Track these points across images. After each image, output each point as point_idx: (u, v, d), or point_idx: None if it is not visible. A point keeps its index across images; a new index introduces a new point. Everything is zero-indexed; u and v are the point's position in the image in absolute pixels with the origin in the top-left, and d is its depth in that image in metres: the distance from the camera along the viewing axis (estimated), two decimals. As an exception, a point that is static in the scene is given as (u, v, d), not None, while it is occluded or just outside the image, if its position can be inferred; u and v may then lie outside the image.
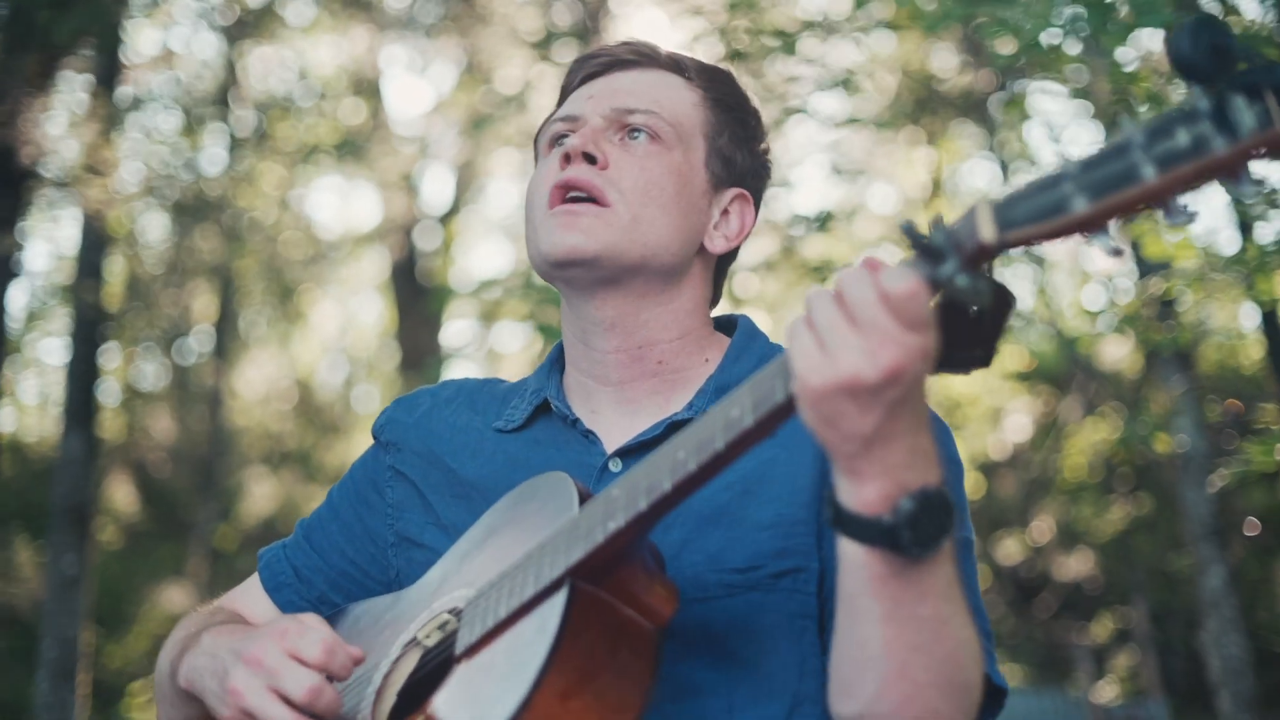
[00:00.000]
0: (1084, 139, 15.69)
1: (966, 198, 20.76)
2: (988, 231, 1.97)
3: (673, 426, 2.85)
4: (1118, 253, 1.92)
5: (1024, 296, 16.97)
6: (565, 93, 3.19)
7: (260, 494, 23.68)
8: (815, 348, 2.13)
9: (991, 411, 21.48)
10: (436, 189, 33.44)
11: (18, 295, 17.51)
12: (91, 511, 14.94)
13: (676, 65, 3.13)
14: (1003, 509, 22.00)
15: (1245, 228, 10.54)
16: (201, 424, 21.71)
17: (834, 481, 2.26)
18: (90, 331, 14.86)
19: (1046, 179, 1.94)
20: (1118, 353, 19.51)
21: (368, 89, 22.43)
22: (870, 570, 2.25)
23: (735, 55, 10.04)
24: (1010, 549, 21.77)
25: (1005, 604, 21.38)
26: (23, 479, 20.54)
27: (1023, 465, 20.67)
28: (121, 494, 21.38)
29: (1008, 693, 2.67)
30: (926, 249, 2.05)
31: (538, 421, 3.04)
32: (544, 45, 16.86)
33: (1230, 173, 1.83)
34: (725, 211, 3.07)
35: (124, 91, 16.05)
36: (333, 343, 28.11)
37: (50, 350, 21.11)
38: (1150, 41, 10.52)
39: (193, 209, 18.56)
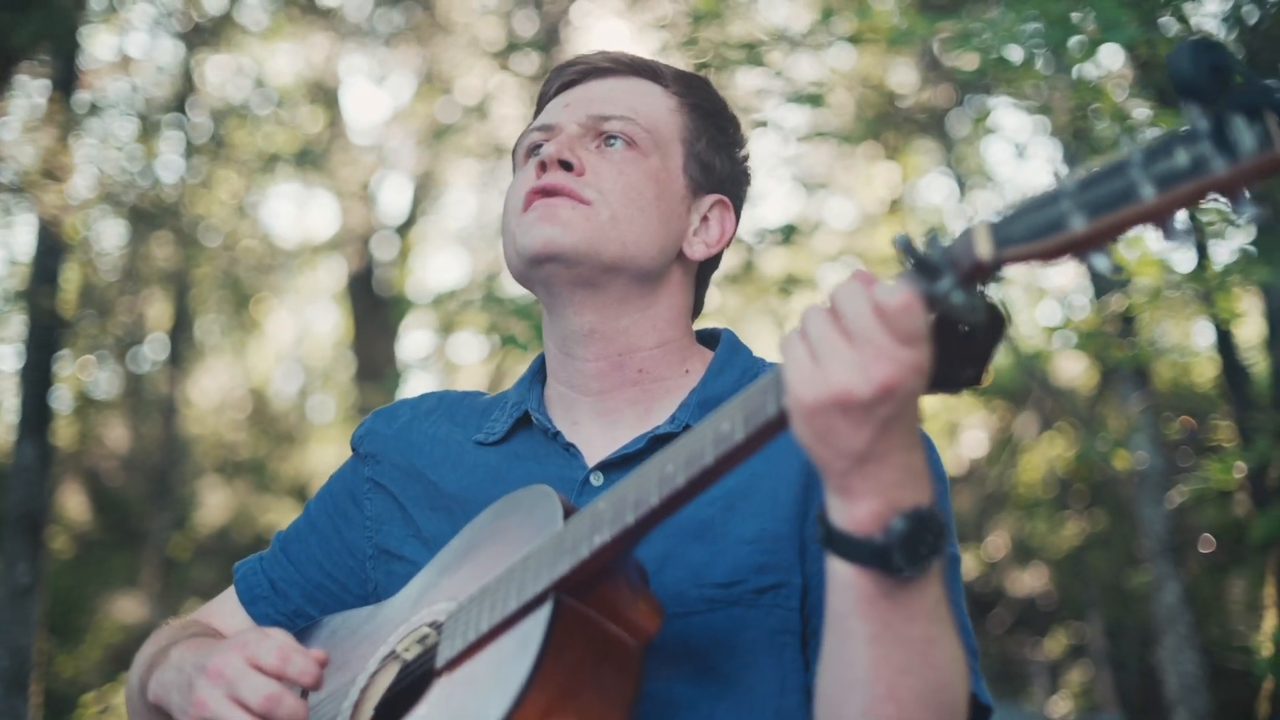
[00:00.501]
0: (1044, 154, 15.76)
1: (925, 214, 20.78)
2: (984, 249, 1.97)
3: (655, 440, 2.83)
4: (1117, 271, 1.91)
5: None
6: (542, 102, 3.17)
7: (214, 503, 23.57)
8: (808, 361, 2.11)
9: (948, 426, 21.52)
10: (394, 199, 33.40)
11: (-28, 301, 17.39)
12: (44, 520, 14.82)
13: (653, 72, 3.11)
14: (958, 524, 21.98)
15: (1201, 246, 10.59)
16: (155, 432, 21.60)
17: (825, 500, 2.24)
18: (45, 338, 14.74)
19: (1044, 196, 1.93)
20: (1073, 369, 19.59)
21: (326, 98, 22.36)
22: (859, 590, 2.23)
23: (702, 67, 10.04)
24: (966, 564, 21.73)
25: (960, 619, 21.30)
26: (-25, 486, 20.45)
27: (978, 480, 20.72)
28: (74, 502, 21.25)
29: (993, 710, 2.66)
30: (922, 264, 2.04)
31: (518, 434, 3.01)
32: (504, 55, 16.83)
33: (1230, 193, 1.82)
34: (705, 218, 3.05)
35: (81, 97, 15.95)
36: (288, 352, 28.03)
37: (3, 357, 21.02)
38: (1112, 59, 10.58)
39: (149, 216, 18.46)
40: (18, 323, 16.04)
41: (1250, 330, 14.72)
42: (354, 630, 2.93)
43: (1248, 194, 1.82)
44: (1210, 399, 18.79)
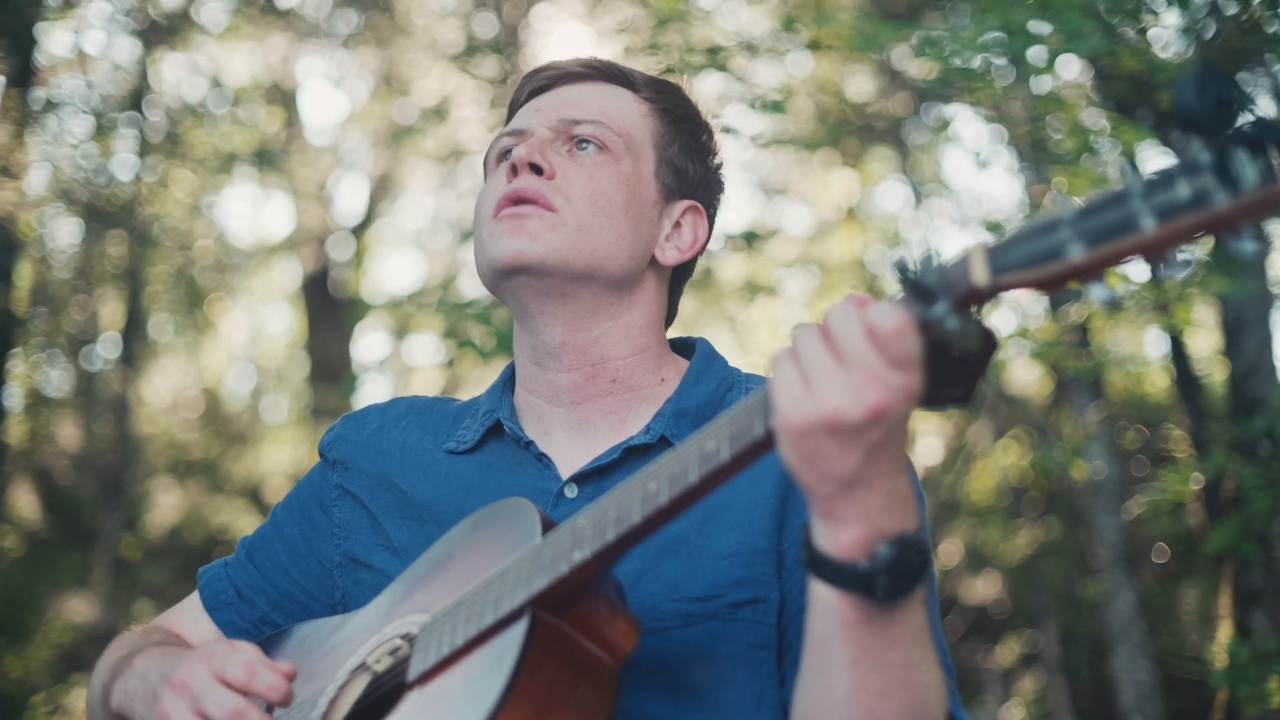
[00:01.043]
0: (1001, 164, 15.80)
1: (881, 221, 20.81)
2: (981, 275, 1.95)
3: (629, 451, 2.81)
4: (1114, 303, 1.89)
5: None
6: (513, 108, 3.15)
7: (166, 503, 23.40)
8: (799, 383, 2.09)
9: (902, 433, 21.51)
10: (350, 200, 33.29)
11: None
12: (-6, 519, 14.75)
13: (625, 78, 3.10)
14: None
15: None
16: (107, 431, 21.43)
17: (809, 522, 2.22)
18: (2, 336, 14.64)
19: (1042, 224, 1.91)
20: (1027, 377, 19.62)
21: (283, 98, 22.26)
22: (841, 615, 2.22)
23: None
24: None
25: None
26: (-76, 485, 20.31)
27: (932, 488, 20.73)
28: (24, 501, 21.08)
29: None
30: (917, 288, 2.02)
31: (489, 443, 2.98)
32: (464, 58, 16.77)
33: (1230, 227, 1.81)
34: (678, 223, 3.03)
35: (37, 94, 15.84)
36: (241, 352, 27.89)
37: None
38: (1069, 69, 10.61)
39: (103, 214, 18.35)
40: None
41: (1203, 341, 14.79)
42: (322, 640, 2.89)
43: (1248, 229, 1.81)
44: (1163, 409, 18.86)
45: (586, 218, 2.85)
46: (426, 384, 24.07)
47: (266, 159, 20.93)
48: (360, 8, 20.17)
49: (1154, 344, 19.35)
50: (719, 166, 3.18)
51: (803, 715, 2.41)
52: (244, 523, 23.23)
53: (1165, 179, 1.82)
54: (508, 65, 15.07)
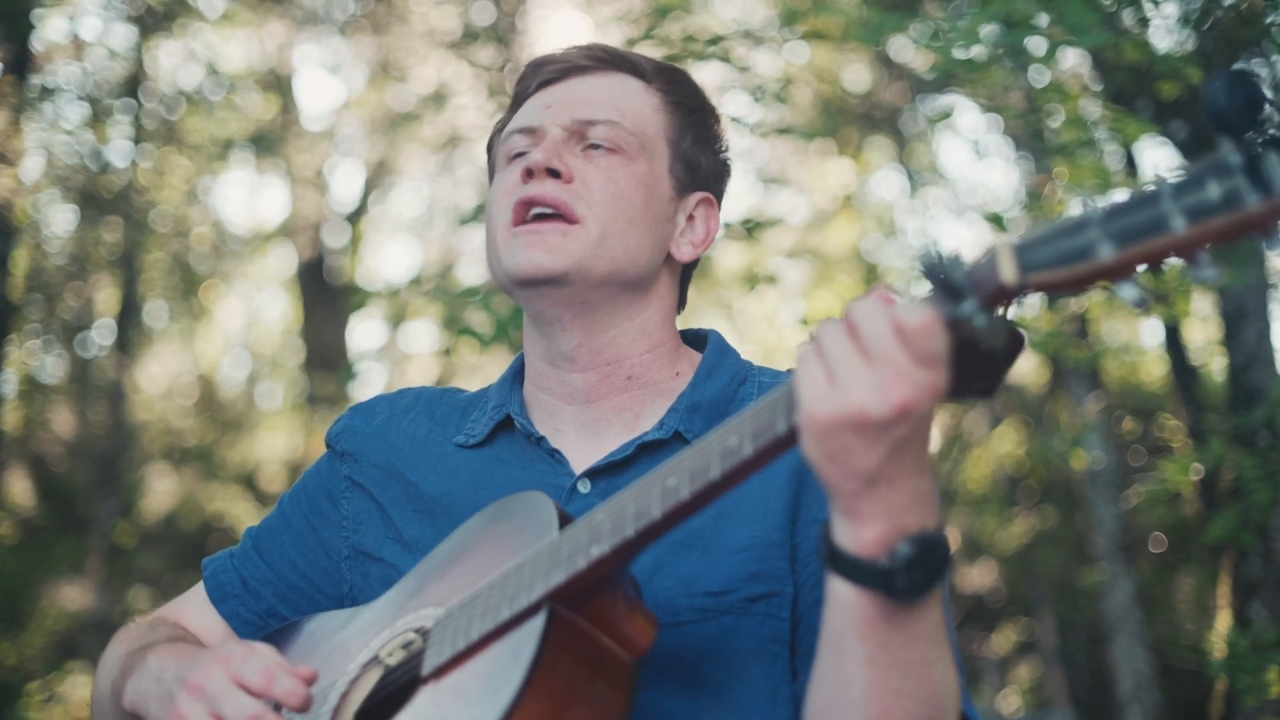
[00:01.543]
0: (998, 152, 15.82)
1: (877, 210, 20.81)
2: (1009, 273, 1.94)
3: (642, 447, 2.79)
4: (1142, 304, 1.89)
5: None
6: (520, 99, 3.08)
7: (161, 490, 23.39)
8: (824, 378, 2.08)
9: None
10: (346, 186, 33.21)
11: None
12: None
13: (634, 68, 3.04)
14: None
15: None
16: (102, 418, 21.41)
17: (830, 520, 2.21)
18: (-3, 321, 14.64)
19: (1071, 224, 1.90)
20: (1023, 366, 19.65)
21: (279, 85, 22.22)
22: (860, 612, 2.21)
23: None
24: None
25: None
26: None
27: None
28: (19, 488, 21.06)
29: None
30: (945, 286, 2.01)
31: (499, 438, 2.96)
32: (461, 45, 16.74)
33: (1262, 229, 1.80)
34: (691, 217, 3.01)
35: (33, 80, 15.81)
36: (237, 338, 27.85)
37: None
38: (1067, 60, 10.59)
39: (98, 201, 18.33)
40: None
41: (1199, 329, 14.79)
42: (332, 634, 2.87)
43: (1278, 230, 1.80)
44: (1159, 397, 18.87)
45: (607, 224, 2.81)
46: (423, 372, 24.06)
47: (263, 145, 20.90)
48: (357, -6, 20.16)
49: (1150, 333, 19.35)
50: (726, 152, 3.15)
51: (817, 711, 2.40)
52: (239, 509, 23.23)
53: (1196, 180, 1.81)
54: (505, 53, 15.05)
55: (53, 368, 22.59)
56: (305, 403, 24.41)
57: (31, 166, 16.36)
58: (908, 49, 13.84)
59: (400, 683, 2.62)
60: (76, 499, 21.48)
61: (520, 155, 2.95)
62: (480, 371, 20.44)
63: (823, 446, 2.10)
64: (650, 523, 2.27)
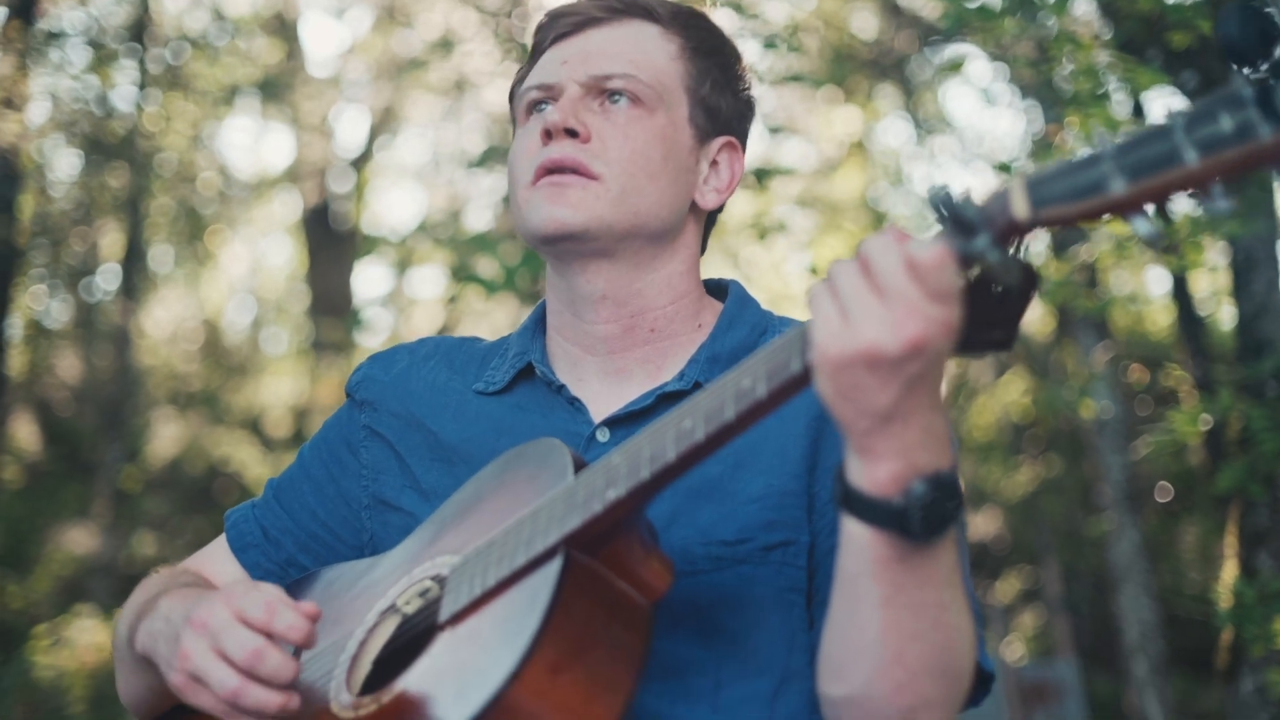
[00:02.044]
0: (1005, 101, 15.77)
1: (883, 157, 20.76)
2: (1021, 208, 1.93)
3: (663, 397, 2.79)
4: (1156, 238, 1.88)
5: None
6: (536, 51, 3.05)
7: (166, 435, 23.42)
8: (837, 315, 2.08)
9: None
10: (350, 132, 33.15)
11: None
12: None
13: (649, 13, 2.99)
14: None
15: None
16: (108, 363, 21.41)
17: (843, 459, 2.21)
18: (2, 268, 14.61)
19: (1083, 159, 1.90)
20: (1030, 314, 19.63)
21: (285, 30, 22.16)
22: (874, 552, 2.21)
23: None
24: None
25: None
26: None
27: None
28: (25, 432, 21.09)
29: (995, 678, 2.64)
30: (957, 221, 2.00)
31: (520, 385, 2.96)
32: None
33: (1274, 160, 1.79)
34: (714, 162, 2.99)
35: (40, 26, 15.76)
36: (241, 283, 27.85)
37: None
38: (1078, 8, 10.53)
39: (104, 146, 18.30)
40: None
41: (1204, 280, 14.78)
42: (351, 583, 2.87)
43: None
44: (1165, 346, 18.87)
45: (627, 180, 2.80)
46: (429, 318, 24.05)
47: (268, 91, 20.85)
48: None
49: (1156, 282, 19.33)
50: (748, 91, 3.12)
51: (831, 654, 2.41)
52: (244, 454, 23.28)
53: (1208, 112, 1.80)
54: (514, -1, 14.99)
55: (58, 312, 22.60)
56: (310, 348, 24.44)
57: (37, 111, 16.33)
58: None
59: (418, 630, 2.63)
60: (82, 444, 21.53)
61: (539, 111, 2.94)
62: (487, 318, 20.46)
63: (836, 384, 2.10)
64: (665, 465, 2.27)
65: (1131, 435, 13.21)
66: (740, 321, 2.94)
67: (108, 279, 22.44)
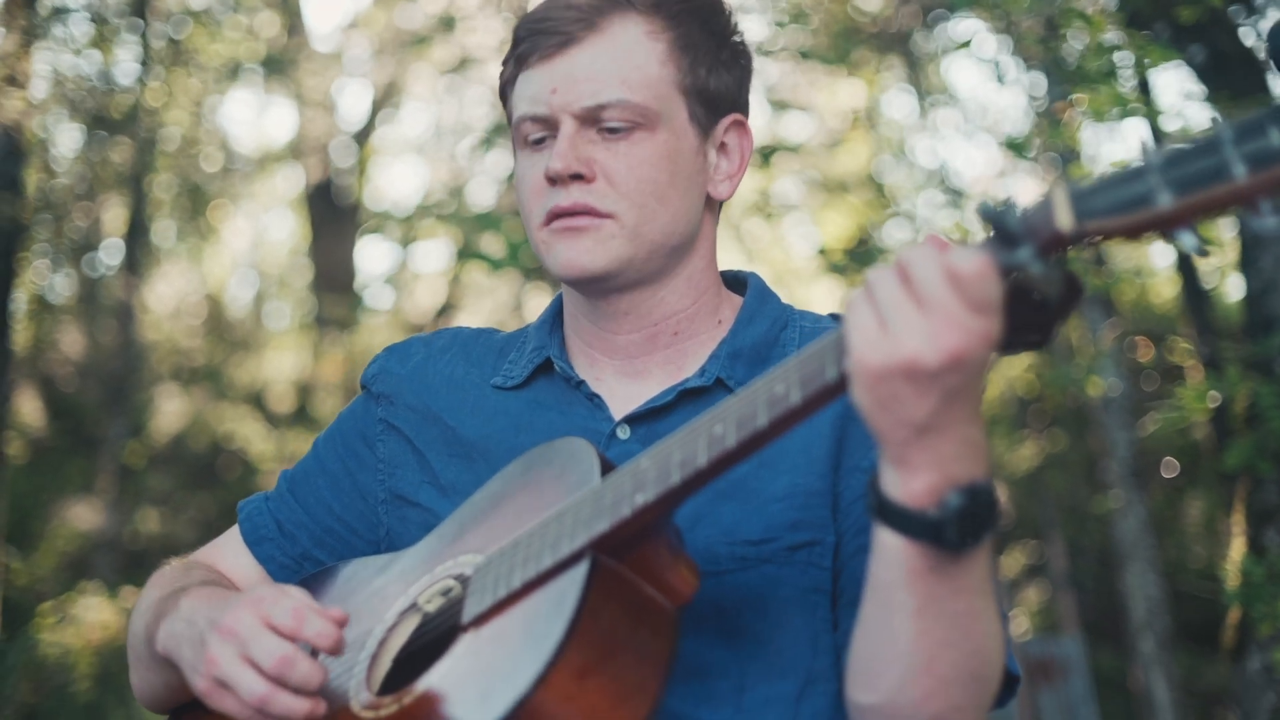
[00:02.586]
0: (1010, 75, 15.72)
1: (887, 128, 20.68)
2: (1065, 219, 1.90)
3: (684, 394, 2.77)
4: (1204, 253, 1.86)
5: (943, 231, 17.03)
6: (520, 59, 2.90)
7: (170, 410, 23.40)
8: (875, 325, 2.05)
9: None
10: (353, 106, 33.07)
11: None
12: (1, 425, 14.71)
13: (629, 2, 2.85)
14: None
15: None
16: (111, 338, 21.38)
17: (879, 469, 2.19)
18: (5, 245, 14.56)
19: (1129, 171, 1.87)
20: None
21: (287, 4, 22.11)
22: (908, 563, 2.19)
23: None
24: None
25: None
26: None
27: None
28: (29, 408, 21.08)
29: (1020, 680, 2.62)
30: (1000, 231, 1.98)
31: (538, 380, 2.93)
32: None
33: None
34: (722, 145, 2.93)
35: (45, 1, 15.72)
36: (244, 258, 27.81)
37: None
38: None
39: (107, 121, 18.26)
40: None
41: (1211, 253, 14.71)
42: (369, 580, 2.86)
43: None
44: (1170, 319, 18.83)
45: (640, 211, 2.76)
46: (432, 293, 24.03)
47: (272, 65, 20.80)
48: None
49: (1160, 255, 19.29)
50: (742, 50, 2.99)
51: (862, 662, 2.39)
52: (248, 430, 23.27)
53: (1257, 126, 1.78)
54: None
55: (61, 287, 22.59)
56: (313, 323, 24.42)
57: (39, 86, 16.28)
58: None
59: (439, 630, 2.61)
60: (86, 419, 21.51)
61: (539, 143, 2.85)
62: (492, 294, 20.44)
63: (873, 394, 2.07)
64: (696, 471, 2.25)
65: (1138, 411, 13.20)
66: (761, 316, 2.91)
67: (111, 254, 22.44)
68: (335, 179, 24.12)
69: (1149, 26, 9.33)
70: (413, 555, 2.80)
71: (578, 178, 2.76)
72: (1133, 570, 12.44)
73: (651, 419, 2.77)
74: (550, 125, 2.82)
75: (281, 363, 26.17)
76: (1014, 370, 19.28)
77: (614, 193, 2.76)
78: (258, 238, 28.09)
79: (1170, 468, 17.11)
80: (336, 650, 2.46)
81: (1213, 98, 8.86)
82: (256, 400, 24.63)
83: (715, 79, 2.90)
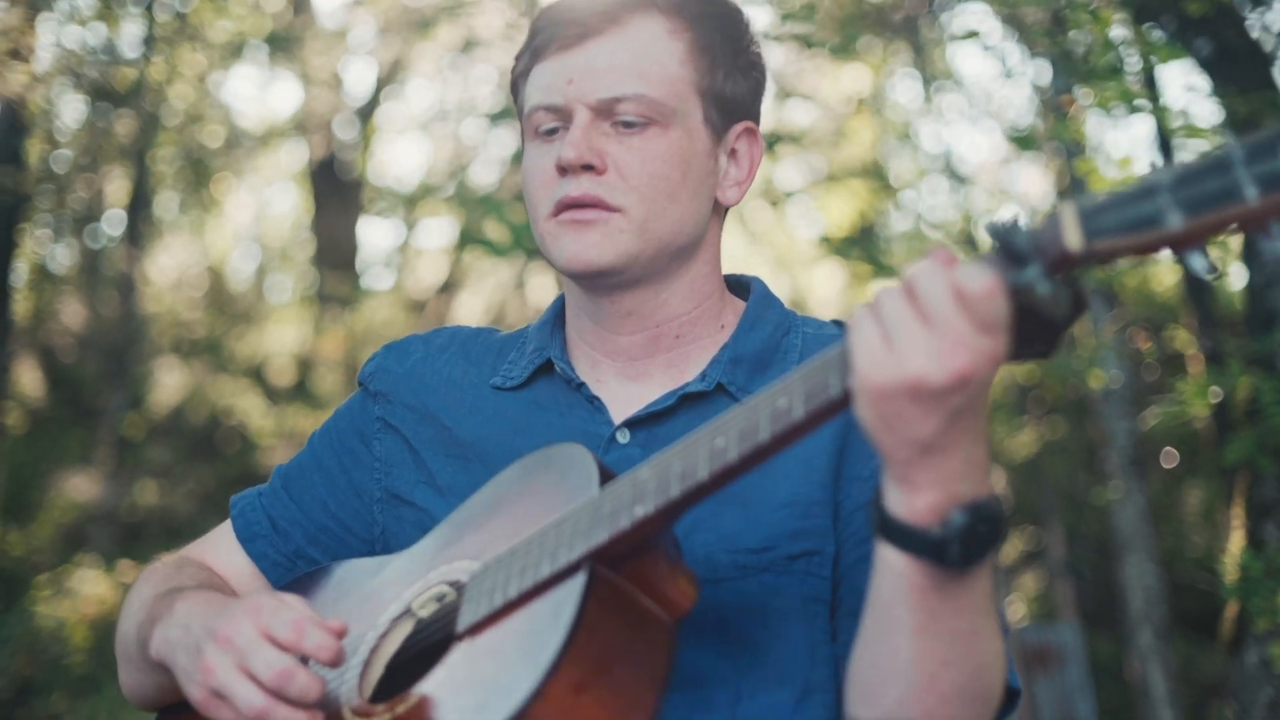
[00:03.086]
0: (1016, 61, 15.70)
1: (892, 112, 20.63)
2: (1074, 239, 1.89)
3: (685, 398, 2.75)
4: (1214, 273, 1.84)
5: (945, 216, 17.02)
6: (536, 51, 2.89)
7: (170, 383, 23.39)
8: (880, 342, 2.04)
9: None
10: (357, 82, 33.04)
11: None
12: (0, 395, 14.75)
13: (651, 2, 2.85)
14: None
15: (1167, 153, 10.56)
16: (112, 310, 21.36)
17: (882, 486, 2.17)
18: (7, 217, 14.56)
19: (1138, 189, 1.85)
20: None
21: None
22: (910, 581, 2.18)
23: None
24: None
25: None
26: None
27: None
28: (28, 378, 21.07)
29: (1021, 695, 2.61)
30: (1008, 250, 1.96)
31: (538, 381, 2.92)
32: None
33: None
34: (733, 152, 2.91)
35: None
36: (246, 231, 27.76)
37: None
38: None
39: (110, 93, 18.21)
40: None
41: (1212, 244, 14.68)
42: (362, 582, 2.84)
43: None
44: (1171, 308, 18.81)
45: (649, 207, 2.74)
46: (433, 269, 24.00)
47: (277, 43, 20.74)
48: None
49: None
50: (758, 58, 2.99)
51: (862, 678, 2.38)
52: (247, 403, 23.26)
53: (1268, 147, 1.76)
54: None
55: (63, 258, 22.57)
56: (315, 297, 24.39)
57: (43, 58, 16.23)
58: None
59: (433, 638, 2.59)
60: (85, 390, 21.51)
61: (550, 133, 2.84)
62: (493, 274, 20.42)
63: (877, 412, 2.06)
64: (697, 484, 2.23)
65: (1138, 401, 13.18)
66: (763, 321, 2.89)
67: (113, 225, 22.40)
68: (339, 154, 24.06)
69: (1155, 19, 9.31)
70: (407, 559, 2.78)
71: (589, 169, 2.75)
72: (1131, 561, 12.43)
73: (652, 423, 2.76)
74: (564, 116, 2.81)
75: (282, 336, 26.14)
76: (1015, 359, 19.24)
77: (624, 186, 2.75)
78: (260, 211, 28.06)
79: (1170, 458, 17.09)
80: (336, 663, 2.44)
81: (1219, 91, 8.82)
82: (256, 374, 24.61)
83: (731, 84, 2.89)
